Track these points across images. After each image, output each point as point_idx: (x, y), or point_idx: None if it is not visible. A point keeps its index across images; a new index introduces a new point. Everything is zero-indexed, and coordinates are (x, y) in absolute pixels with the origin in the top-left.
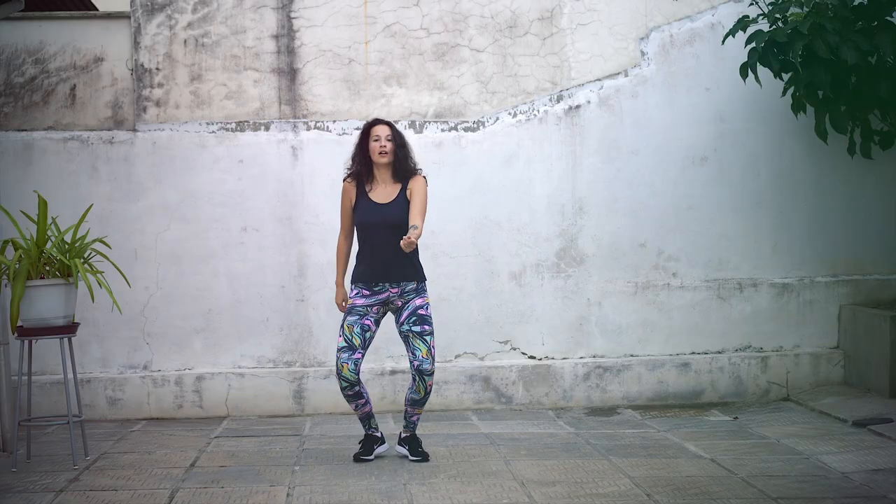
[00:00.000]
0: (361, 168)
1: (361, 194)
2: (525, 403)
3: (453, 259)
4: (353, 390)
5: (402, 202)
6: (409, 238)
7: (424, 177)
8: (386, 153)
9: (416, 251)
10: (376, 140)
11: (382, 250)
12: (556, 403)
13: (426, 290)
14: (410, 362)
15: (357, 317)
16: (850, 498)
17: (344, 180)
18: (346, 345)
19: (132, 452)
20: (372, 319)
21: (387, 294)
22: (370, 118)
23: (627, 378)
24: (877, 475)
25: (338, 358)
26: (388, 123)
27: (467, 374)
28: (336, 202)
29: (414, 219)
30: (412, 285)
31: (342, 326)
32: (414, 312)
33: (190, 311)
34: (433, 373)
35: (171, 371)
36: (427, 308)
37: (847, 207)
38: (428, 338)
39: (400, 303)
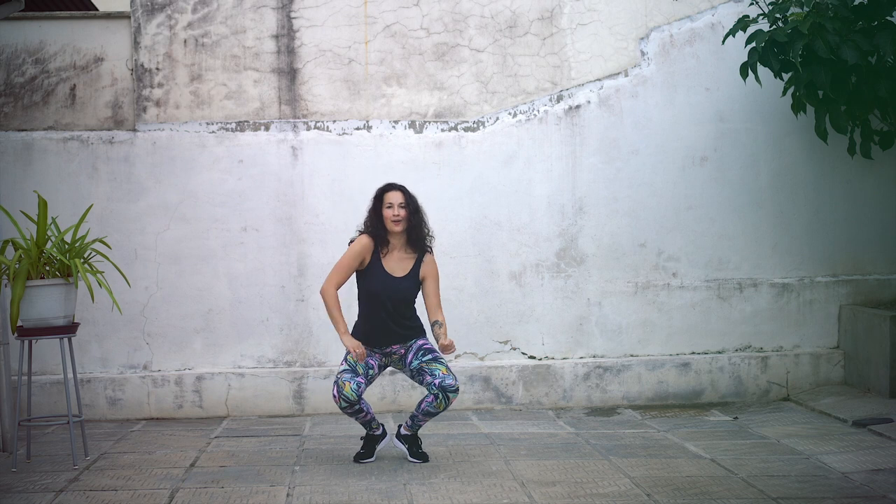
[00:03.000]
0: (376, 232)
1: (375, 259)
2: (525, 403)
3: (453, 259)
4: (352, 409)
5: (414, 278)
6: (450, 342)
7: (432, 252)
8: (400, 221)
9: (415, 312)
10: (389, 207)
11: (388, 320)
12: (556, 403)
13: (426, 335)
14: (430, 384)
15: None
16: (850, 498)
17: (362, 233)
18: (348, 368)
19: (132, 452)
20: (375, 361)
21: (389, 349)
22: (384, 183)
23: (627, 378)
24: (877, 475)
25: (338, 378)
26: (401, 189)
27: (467, 374)
28: (336, 202)
29: (435, 313)
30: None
31: (346, 358)
32: (420, 348)
33: (190, 311)
34: (458, 389)
35: (171, 371)
36: (431, 345)
37: (847, 207)
38: (443, 360)
39: (403, 351)
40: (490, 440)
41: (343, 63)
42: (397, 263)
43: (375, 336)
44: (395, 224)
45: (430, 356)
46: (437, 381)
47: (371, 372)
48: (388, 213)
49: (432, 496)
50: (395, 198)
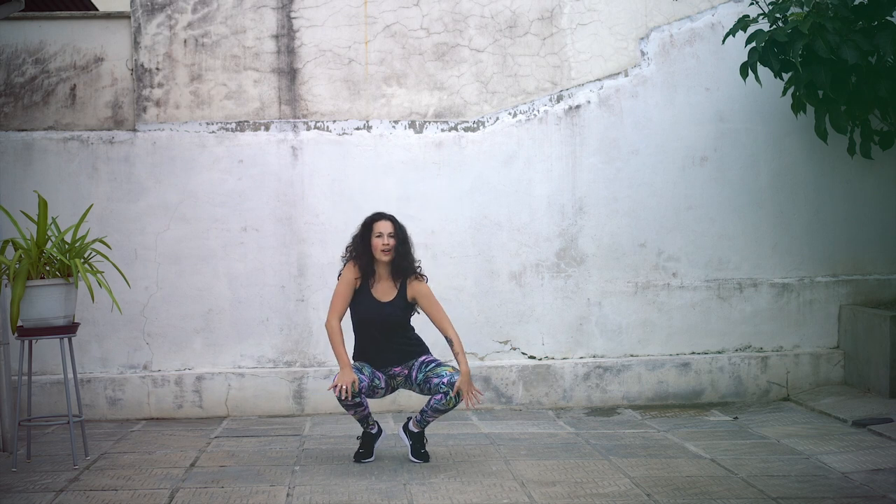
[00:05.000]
0: (363, 260)
1: (364, 286)
2: (525, 403)
3: (453, 259)
4: (351, 401)
5: (402, 302)
6: (474, 395)
7: (423, 278)
8: (388, 251)
9: (412, 334)
10: (378, 237)
11: (382, 346)
12: (556, 403)
13: (428, 352)
14: (439, 385)
15: (370, 368)
16: (850, 498)
17: (348, 261)
18: (356, 367)
19: (132, 452)
20: (384, 378)
21: (391, 371)
22: (373, 212)
23: (627, 378)
24: (877, 475)
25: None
26: (391, 218)
27: None
28: (336, 202)
29: (449, 332)
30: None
31: (354, 363)
32: (422, 363)
33: (190, 311)
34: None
35: (171, 371)
36: (433, 358)
37: (847, 207)
38: (447, 364)
39: (406, 371)
40: (490, 440)
41: (343, 63)
42: (384, 291)
43: (372, 359)
44: (384, 254)
45: (433, 364)
46: (444, 380)
47: (377, 382)
48: (377, 242)
49: (432, 496)
50: (384, 227)
